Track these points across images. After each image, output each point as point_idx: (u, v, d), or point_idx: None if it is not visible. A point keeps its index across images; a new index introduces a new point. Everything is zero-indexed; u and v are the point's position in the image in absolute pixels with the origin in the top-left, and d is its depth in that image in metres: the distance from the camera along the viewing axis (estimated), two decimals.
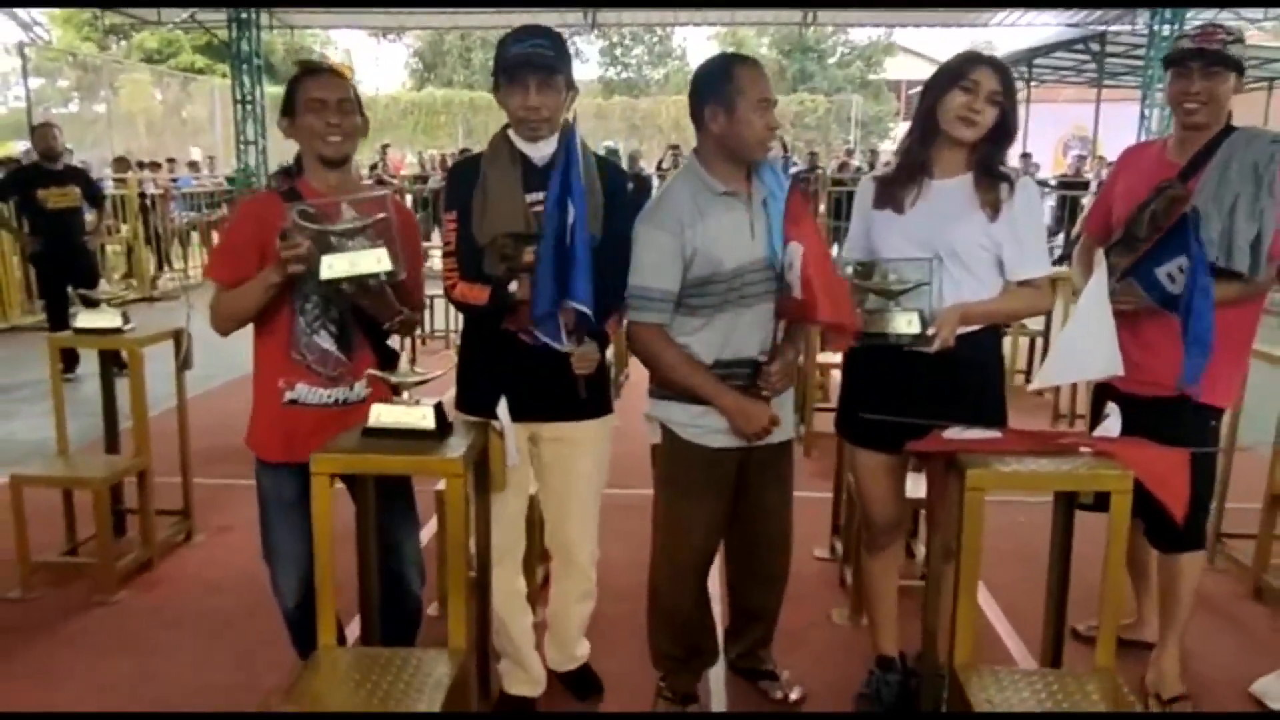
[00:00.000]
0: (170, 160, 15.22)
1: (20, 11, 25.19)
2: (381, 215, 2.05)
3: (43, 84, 21.15)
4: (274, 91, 15.17)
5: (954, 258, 2.19)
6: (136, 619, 3.15)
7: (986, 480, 1.88)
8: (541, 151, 2.20)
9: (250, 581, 2.85)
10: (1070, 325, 2.03)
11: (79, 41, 22.83)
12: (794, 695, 2.62)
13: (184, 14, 13.70)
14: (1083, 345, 1.99)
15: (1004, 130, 2.19)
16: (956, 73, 2.17)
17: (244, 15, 13.88)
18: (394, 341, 2.38)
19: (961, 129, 2.17)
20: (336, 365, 2.24)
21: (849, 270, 2.24)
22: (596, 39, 28.33)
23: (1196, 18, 13.58)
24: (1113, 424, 2.09)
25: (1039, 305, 2.31)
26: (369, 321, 2.26)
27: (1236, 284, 2.32)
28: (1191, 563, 2.58)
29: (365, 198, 2.13)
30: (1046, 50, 15.61)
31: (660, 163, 14.94)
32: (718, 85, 2.16)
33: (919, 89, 2.34)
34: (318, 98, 2.18)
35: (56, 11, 22.26)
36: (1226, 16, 14.24)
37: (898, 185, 2.27)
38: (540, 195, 2.17)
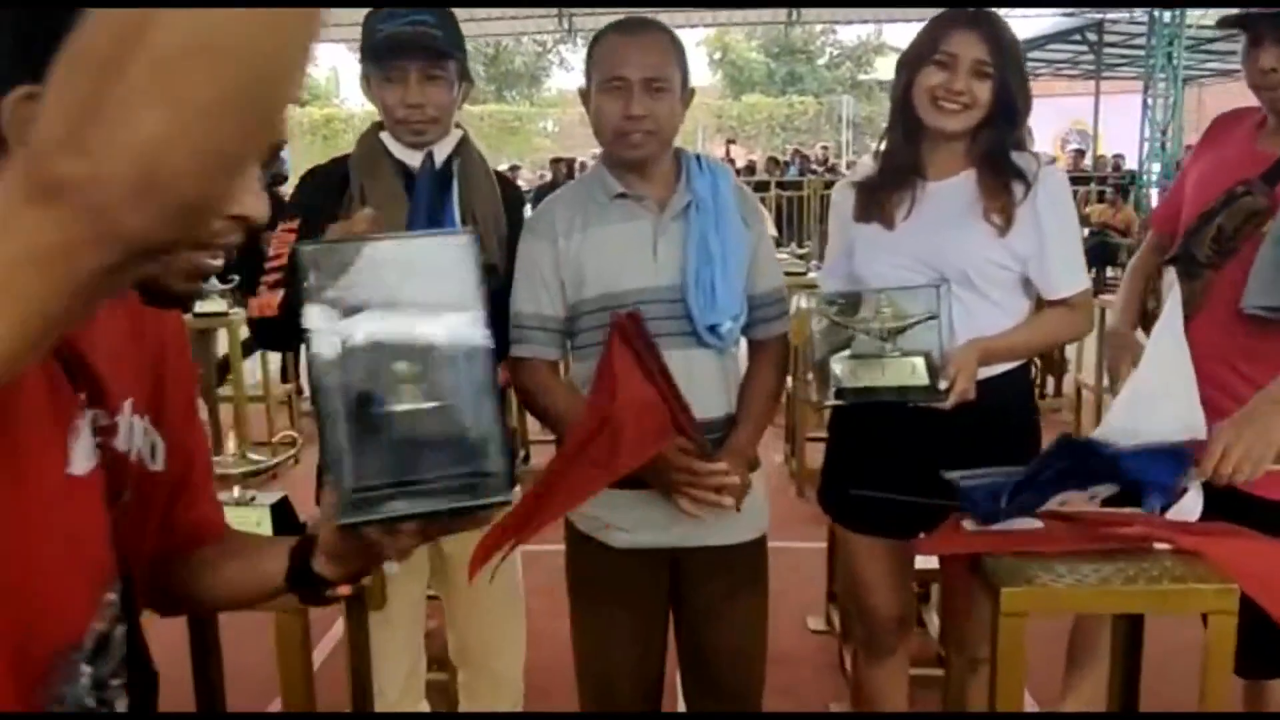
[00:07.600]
0: None
1: None
2: None
3: None
4: None
5: (965, 281, 1.66)
6: None
7: (1027, 602, 1.34)
8: (419, 160, 1.69)
9: None
10: (1141, 371, 1.49)
11: None
12: None
13: None
14: (1156, 398, 1.44)
15: (1005, 108, 1.65)
16: (929, 44, 1.65)
17: None
18: None
19: (940, 118, 1.65)
20: None
21: (827, 306, 1.71)
22: (582, 45, 27.96)
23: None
24: (1191, 503, 1.55)
25: (1078, 329, 1.79)
26: None
27: None
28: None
29: None
30: (1040, 43, 15.12)
31: None
32: (587, 60, 1.65)
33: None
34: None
35: None
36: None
37: (884, 193, 1.73)
38: None
